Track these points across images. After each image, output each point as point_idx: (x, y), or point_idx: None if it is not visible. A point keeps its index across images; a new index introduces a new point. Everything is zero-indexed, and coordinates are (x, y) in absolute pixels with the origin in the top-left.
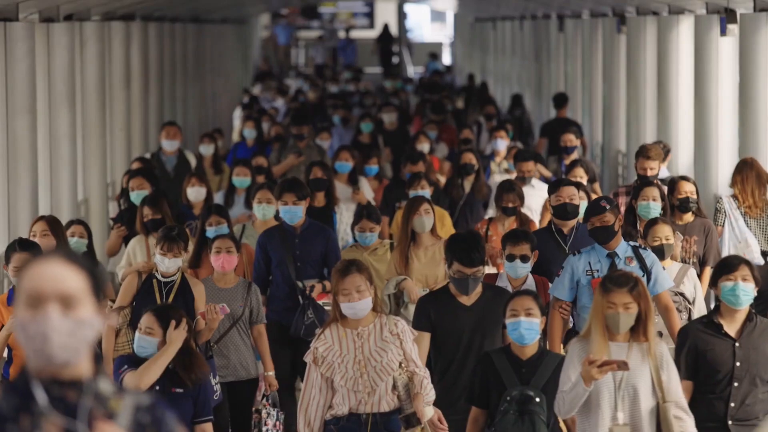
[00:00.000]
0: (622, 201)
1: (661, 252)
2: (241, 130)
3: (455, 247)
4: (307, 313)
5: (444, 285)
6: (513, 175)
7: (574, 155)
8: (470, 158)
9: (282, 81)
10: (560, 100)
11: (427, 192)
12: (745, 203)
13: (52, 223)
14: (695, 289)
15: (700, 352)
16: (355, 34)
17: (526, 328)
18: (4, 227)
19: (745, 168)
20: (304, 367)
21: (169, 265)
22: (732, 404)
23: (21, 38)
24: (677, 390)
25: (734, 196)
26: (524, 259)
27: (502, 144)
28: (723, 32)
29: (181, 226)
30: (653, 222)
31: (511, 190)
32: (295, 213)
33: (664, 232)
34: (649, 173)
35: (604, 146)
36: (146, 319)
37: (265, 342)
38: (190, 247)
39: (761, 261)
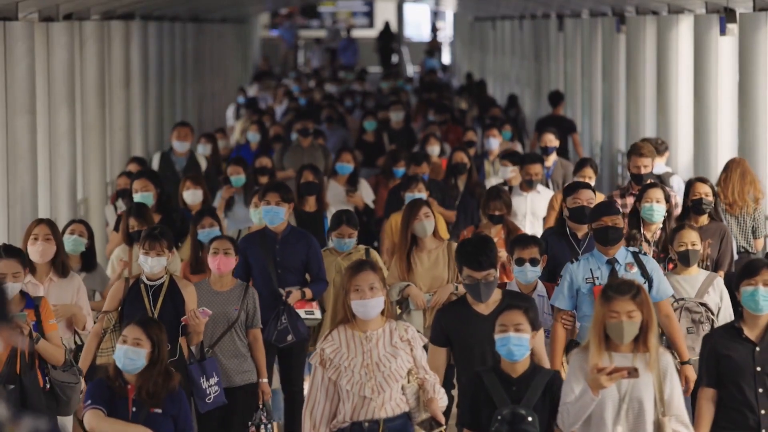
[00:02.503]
0: (618, 204)
1: (686, 258)
2: (242, 130)
3: (462, 251)
4: (281, 319)
5: (462, 295)
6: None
7: (553, 156)
8: (462, 157)
9: (281, 81)
10: (556, 98)
11: (423, 195)
12: (725, 200)
13: (53, 226)
14: (721, 299)
15: (721, 357)
16: (355, 33)
17: (516, 344)
18: (4, 226)
19: (731, 165)
20: (291, 373)
21: (152, 264)
22: (762, 411)
23: (20, 38)
24: (679, 403)
25: (717, 194)
26: (533, 262)
27: (495, 143)
28: (722, 32)
29: (164, 226)
30: (680, 227)
31: (498, 197)
32: (276, 214)
33: (691, 238)
34: (643, 171)
35: (604, 146)
36: (132, 331)
37: (261, 347)
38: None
39: (736, 257)
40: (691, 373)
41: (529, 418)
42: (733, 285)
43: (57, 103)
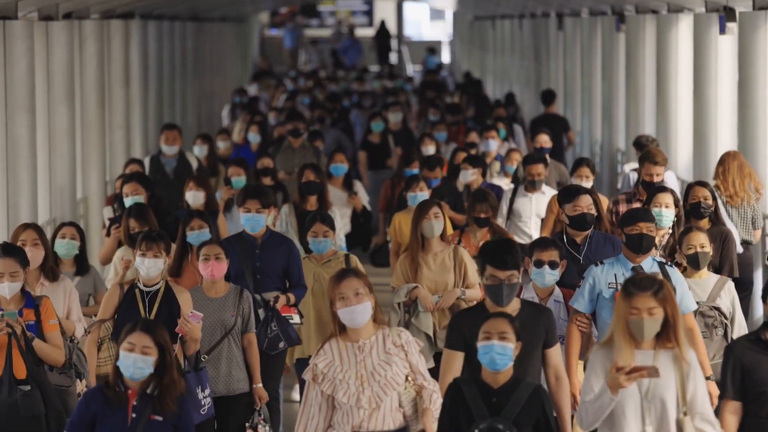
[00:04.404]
0: (623, 209)
1: (696, 260)
2: (242, 129)
3: (486, 250)
4: (271, 326)
5: (481, 301)
6: (509, 178)
7: (546, 158)
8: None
9: (281, 80)
10: (548, 97)
11: (425, 194)
12: (726, 192)
13: (40, 231)
14: (733, 303)
15: (747, 371)
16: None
17: (499, 353)
18: (4, 225)
19: (727, 159)
20: (272, 374)
21: (149, 265)
22: None
23: (20, 36)
24: (703, 400)
25: (716, 186)
26: (553, 265)
27: (493, 144)
28: (722, 31)
29: (162, 231)
30: (687, 230)
31: (483, 200)
32: (257, 221)
33: (699, 240)
34: (656, 179)
35: (603, 145)
36: (140, 338)
37: (255, 352)
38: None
39: (741, 249)
40: (714, 389)
41: None
42: (761, 296)
43: (56, 101)
